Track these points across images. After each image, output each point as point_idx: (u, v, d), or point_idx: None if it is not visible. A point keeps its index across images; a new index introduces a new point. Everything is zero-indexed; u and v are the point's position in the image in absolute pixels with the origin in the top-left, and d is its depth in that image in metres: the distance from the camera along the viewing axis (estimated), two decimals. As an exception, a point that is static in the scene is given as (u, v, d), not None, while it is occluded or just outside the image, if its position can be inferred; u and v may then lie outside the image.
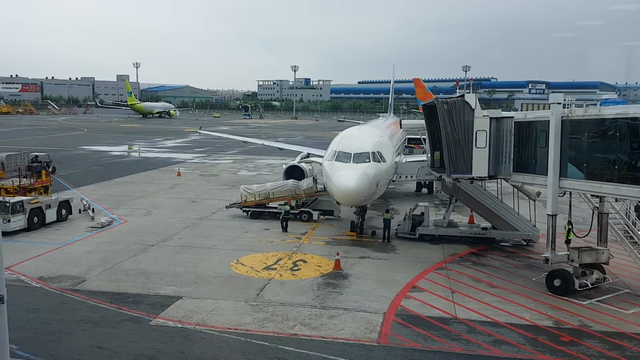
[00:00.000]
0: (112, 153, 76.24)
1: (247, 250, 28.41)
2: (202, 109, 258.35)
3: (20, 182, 38.01)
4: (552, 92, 29.60)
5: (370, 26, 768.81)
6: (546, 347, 17.71)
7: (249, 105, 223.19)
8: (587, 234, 24.90)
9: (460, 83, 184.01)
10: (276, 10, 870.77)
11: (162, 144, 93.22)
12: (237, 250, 28.26)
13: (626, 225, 24.40)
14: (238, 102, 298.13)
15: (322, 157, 33.11)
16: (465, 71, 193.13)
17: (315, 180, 36.39)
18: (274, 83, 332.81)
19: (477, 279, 24.49)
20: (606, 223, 24.22)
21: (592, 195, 23.34)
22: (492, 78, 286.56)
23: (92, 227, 32.29)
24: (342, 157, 28.03)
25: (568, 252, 23.33)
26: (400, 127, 38.87)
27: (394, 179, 35.28)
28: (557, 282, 22.72)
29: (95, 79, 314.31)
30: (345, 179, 26.65)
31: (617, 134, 20.16)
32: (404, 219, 31.89)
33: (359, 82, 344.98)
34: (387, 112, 78.60)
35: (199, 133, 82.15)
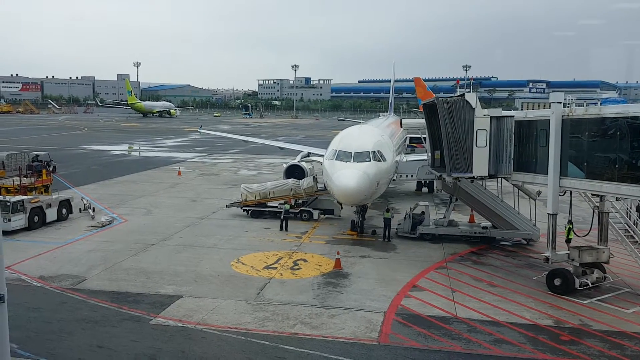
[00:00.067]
0: (113, 152, 76.27)
1: (247, 249, 28.42)
2: (203, 108, 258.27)
3: (20, 181, 38.00)
4: (553, 91, 29.61)
5: (370, 25, 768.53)
6: (546, 346, 17.72)
7: (250, 105, 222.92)
8: (588, 233, 24.92)
9: (461, 82, 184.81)
10: (276, 10, 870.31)
11: (162, 143, 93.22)
12: (238, 250, 28.27)
13: (626, 224, 24.39)
14: (238, 101, 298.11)
15: (322, 156, 33.12)
16: (466, 70, 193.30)
17: (315, 179, 36.39)
18: (275, 82, 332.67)
19: (477, 278, 24.50)
20: (606, 222, 24.23)
21: (592, 194, 23.36)
22: (492, 77, 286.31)
23: (92, 227, 32.31)
24: (343, 156, 28.04)
25: (568, 252, 23.35)
26: (401, 127, 38.89)
27: (395, 178, 35.29)
28: (557, 281, 22.73)
29: (96, 78, 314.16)
30: (345, 178, 26.66)
31: (618, 133, 20.16)
32: (405, 218, 31.90)
33: (359, 81, 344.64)
34: (387, 112, 78.50)
35: (199, 132, 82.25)
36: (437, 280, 24.11)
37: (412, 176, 36.58)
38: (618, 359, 17.00)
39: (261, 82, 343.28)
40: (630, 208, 25.82)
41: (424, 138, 32.18)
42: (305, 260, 26.68)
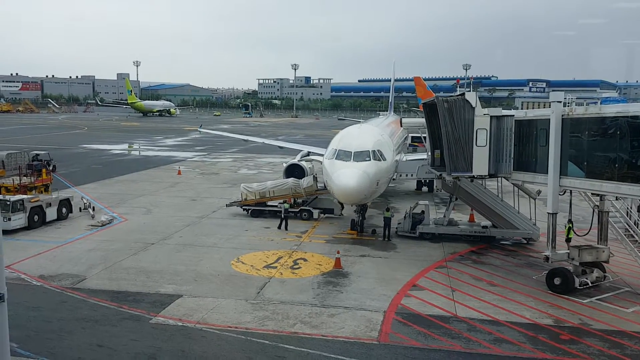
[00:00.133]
0: (113, 151, 76.25)
1: (247, 248, 28.42)
2: (203, 107, 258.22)
3: (20, 180, 38.02)
4: (553, 90, 29.57)
5: (370, 25, 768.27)
6: (546, 346, 17.72)
7: (250, 104, 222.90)
8: (588, 233, 24.91)
9: (461, 81, 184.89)
10: (276, 10, 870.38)
11: (162, 142, 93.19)
12: (238, 249, 28.28)
13: (626, 223, 24.39)
14: (238, 100, 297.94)
15: (322, 155, 33.13)
16: (466, 70, 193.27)
17: (315, 178, 36.39)
18: (275, 81, 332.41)
19: (477, 278, 24.50)
20: (606, 221, 24.24)
21: (592, 193, 23.36)
22: (492, 76, 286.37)
23: (92, 226, 32.31)
24: (343, 155, 28.04)
25: (568, 251, 23.35)
26: (401, 126, 38.88)
27: (395, 177, 35.29)
28: (557, 281, 22.72)
29: (96, 78, 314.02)
30: (345, 177, 26.65)
31: (618, 133, 20.16)
32: (405, 217, 31.90)
33: (359, 81, 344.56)
34: (387, 111, 78.48)
35: (199, 131, 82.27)
36: (437, 280, 24.11)
37: (412, 175, 36.61)
38: (618, 358, 17.00)
39: (261, 81, 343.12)
40: (631, 208, 25.82)
41: (424, 137, 32.19)
42: (305, 260, 26.68)
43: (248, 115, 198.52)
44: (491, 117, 25.31)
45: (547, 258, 23.38)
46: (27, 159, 46.88)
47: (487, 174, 25.81)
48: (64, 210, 33.75)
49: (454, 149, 25.67)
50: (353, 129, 33.70)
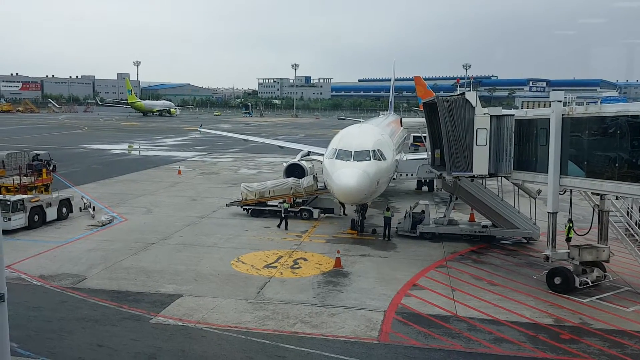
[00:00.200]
0: (113, 151, 76.25)
1: (247, 248, 28.41)
2: (203, 107, 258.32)
3: (20, 180, 38.04)
4: (553, 90, 29.64)
5: (370, 25, 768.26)
6: (547, 345, 17.71)
7: (250, 104, 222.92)
8: (588, 232, 24.90)
9: (461, 81, 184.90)
10: (276, 10, 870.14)
11: (162, 142, 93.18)
12: (238, 249, 28.27)
13: (627, 223, 24.38)
14: (238, 100, 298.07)
15: (322, 155, 33.12)
16: (466, 69, 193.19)
17: (315, 178, 36.39)
18: (275, 81, 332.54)
19: (477, 277, 24.49)
20: (607, 221, 24.23)
21: (592, 193, 23.35)
22: (492, 76, 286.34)
23: (92, 226, 32.30)
24: (343, 155, 28.03)
25: (568, 250, 23.34)
26: (401, 125, 38.88)
27: (395, 177, 35.28)
28: (557, 280, 22.72)
29: (96, 78, 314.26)
30: (345, 177, 26.65)
31: (618, 132, 20.17)
32: (405, 217, 31.89)
33: (359, 80, 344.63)
34: (387, 110, 78.48)
35: (199, 131, 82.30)
36: (437, 279, 24.11)
37: (412, 175, 36.60)
38: (618, 357, 16.99)
39: (261, 81, 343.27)
40: (632, 207, 25.80)
41: (424, 137, 32.19)
42: (305, 259, 26.67)
43: (248, 115, 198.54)
44: (491, 116, 25.31)
45: (547, 257, 23.37)
46: (27, 158, 46.95)
47: (487, 173, 25.81)
48: (64, 210, 33.75)
49: (454, 149, 25.67)
50: (353, 129, 33.69)
